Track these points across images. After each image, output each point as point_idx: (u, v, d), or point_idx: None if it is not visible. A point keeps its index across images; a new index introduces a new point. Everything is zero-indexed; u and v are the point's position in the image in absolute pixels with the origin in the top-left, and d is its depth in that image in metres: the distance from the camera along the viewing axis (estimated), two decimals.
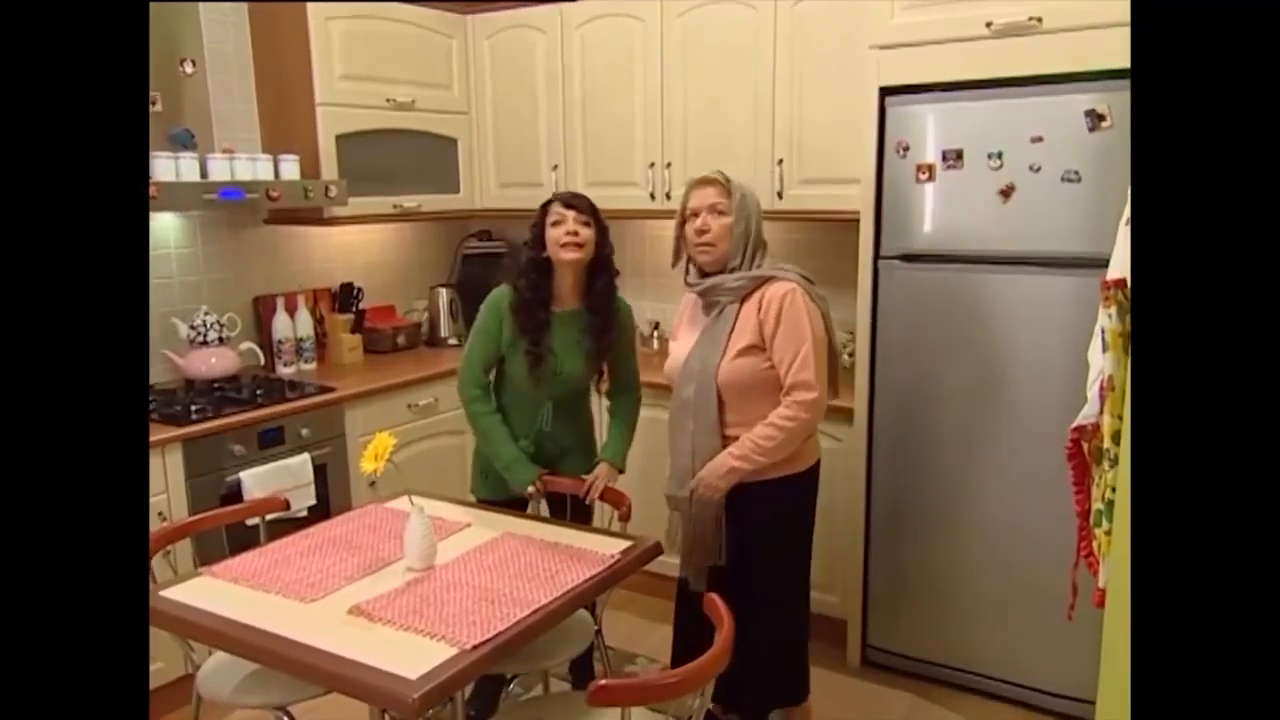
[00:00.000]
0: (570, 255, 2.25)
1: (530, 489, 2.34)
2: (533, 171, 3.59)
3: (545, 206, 2.31)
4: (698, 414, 2.13)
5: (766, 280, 2.15)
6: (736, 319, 2.14)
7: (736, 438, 2.12)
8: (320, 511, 2.88)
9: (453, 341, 3.82)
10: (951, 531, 2.66)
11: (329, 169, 3.17)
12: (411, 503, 1.90)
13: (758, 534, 2.15)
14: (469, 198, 3.73)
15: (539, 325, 2.30)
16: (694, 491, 2.11)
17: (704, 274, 2.21)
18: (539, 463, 2.38)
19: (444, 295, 3.84)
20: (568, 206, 2.27)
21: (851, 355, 2.89)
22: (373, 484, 2.96)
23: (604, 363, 2.42)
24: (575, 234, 2.25)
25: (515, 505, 2.38)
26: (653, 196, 3.30)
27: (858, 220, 2.66)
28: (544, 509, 2.48)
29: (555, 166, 3.52)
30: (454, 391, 3.52)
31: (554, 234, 2.27)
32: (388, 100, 3.35)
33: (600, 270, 2.33)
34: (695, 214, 2.16)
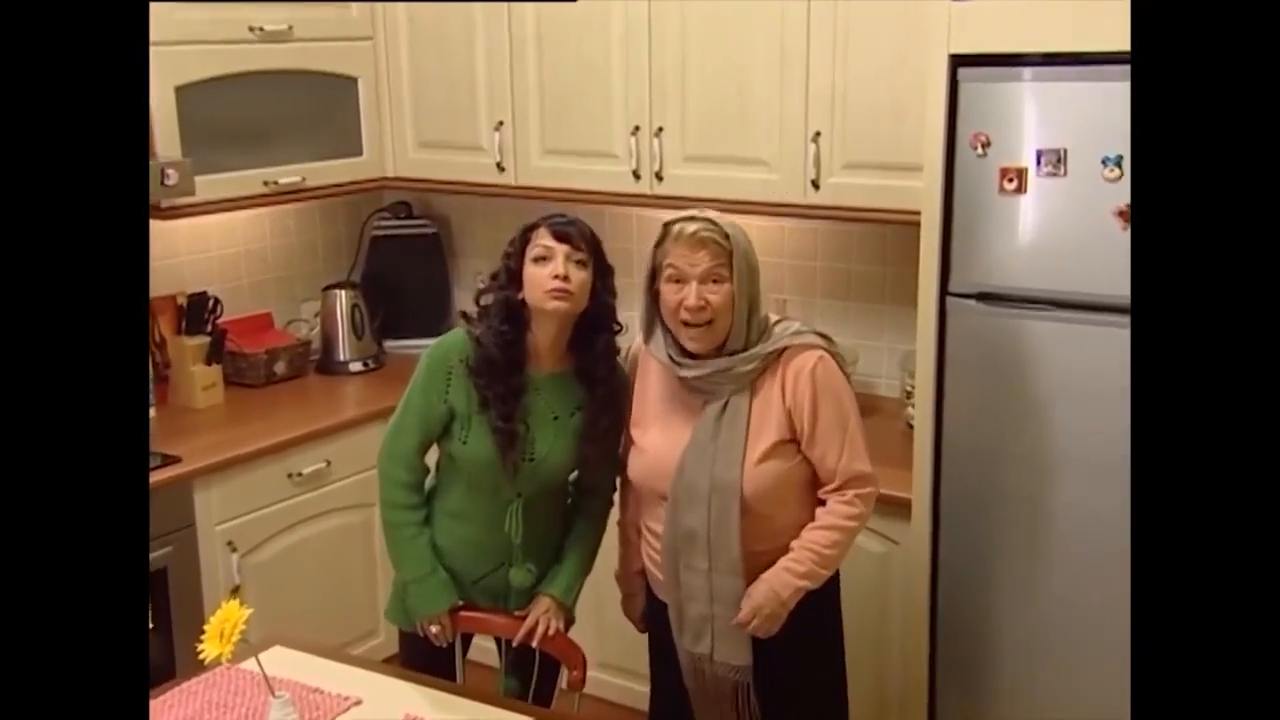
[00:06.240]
0: (555, 305, 2.32)
1: (434, 627, 2.46)
2: (467, 130, 3.68)
3: (527, 231, 2.38)
4: (715, 548, 2.30)
5: (780, 352, 2.31)
6: (751, 410, 2.30)
7: (756, 559, 2.32)
8: (160, 641, 3.04)
9: (356, 367, 3.95)
10: (1053, 677, 2.77)
11: (166, 138, 3.26)
12: (274, 694, 2.04)
13: (782, 659, 2.39)
14: (377, 162, 3.84)
15: (512, 393, 2.37)
16: (743, 627, 2.32)
17: (688, 353, 2.33)
18: (499, 599, 2.51)
19: (343, 298, 3.96)
20: (559, 238, 2.32)
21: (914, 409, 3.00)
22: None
23: (595, 450, 2.49)
24: (565, 279, 2.31)
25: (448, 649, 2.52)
26: (637, 175, 3.39)
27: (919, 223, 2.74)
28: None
29: (499, 124, 3.61)
30: (353, 451, 3.61)
31: (535, 274, 2.33)
32: (252, 29, 3.42)
33: (598, 324, 2.41)
34: (679, 279, 2.26)
